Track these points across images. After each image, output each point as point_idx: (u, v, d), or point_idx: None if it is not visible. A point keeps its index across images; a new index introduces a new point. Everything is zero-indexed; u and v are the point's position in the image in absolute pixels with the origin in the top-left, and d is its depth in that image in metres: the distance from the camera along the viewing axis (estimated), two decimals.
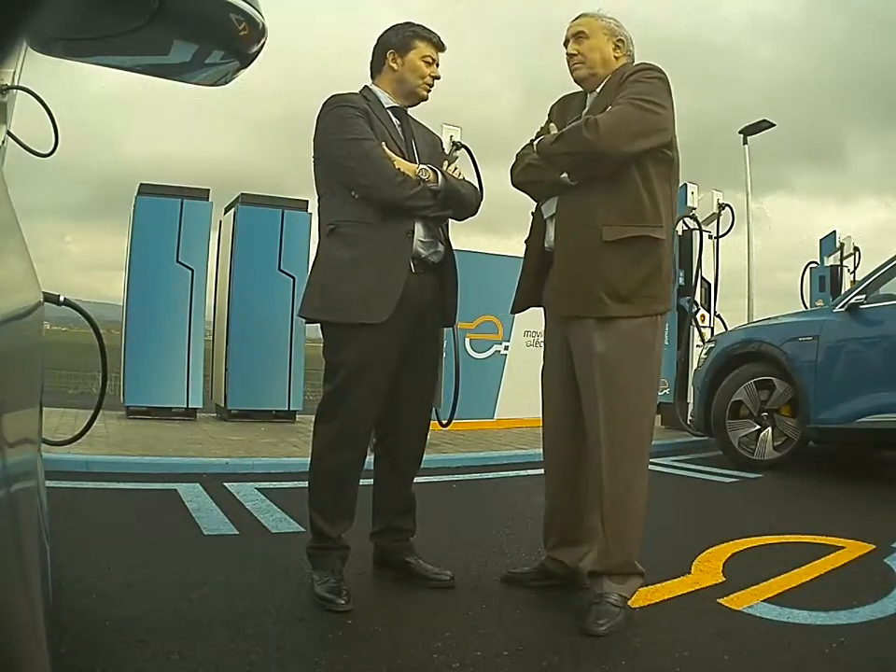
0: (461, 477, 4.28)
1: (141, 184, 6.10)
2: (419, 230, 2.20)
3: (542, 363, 2.31)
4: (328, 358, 2.22)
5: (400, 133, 2.29)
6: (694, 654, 1.81)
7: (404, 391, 2.28)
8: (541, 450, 2.35)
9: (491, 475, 4.43)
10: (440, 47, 2.30)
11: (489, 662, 1.75)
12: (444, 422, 4.66)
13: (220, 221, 6.74)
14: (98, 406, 2.39)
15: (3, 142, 1.26)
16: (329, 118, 2.20)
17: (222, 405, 6.27)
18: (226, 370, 6.20)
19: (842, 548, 2.77)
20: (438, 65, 2.30)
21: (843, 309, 4.54)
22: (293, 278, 6.22)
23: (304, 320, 2.29)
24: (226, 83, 1.05)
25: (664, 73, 2.08)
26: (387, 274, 2.14)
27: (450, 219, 2.37)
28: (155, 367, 5.90)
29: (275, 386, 6.20)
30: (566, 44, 2.19)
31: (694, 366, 5.83)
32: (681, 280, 6.57)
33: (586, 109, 2.18)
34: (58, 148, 1.59)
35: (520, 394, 5.67)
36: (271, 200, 6.45)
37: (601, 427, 2.05)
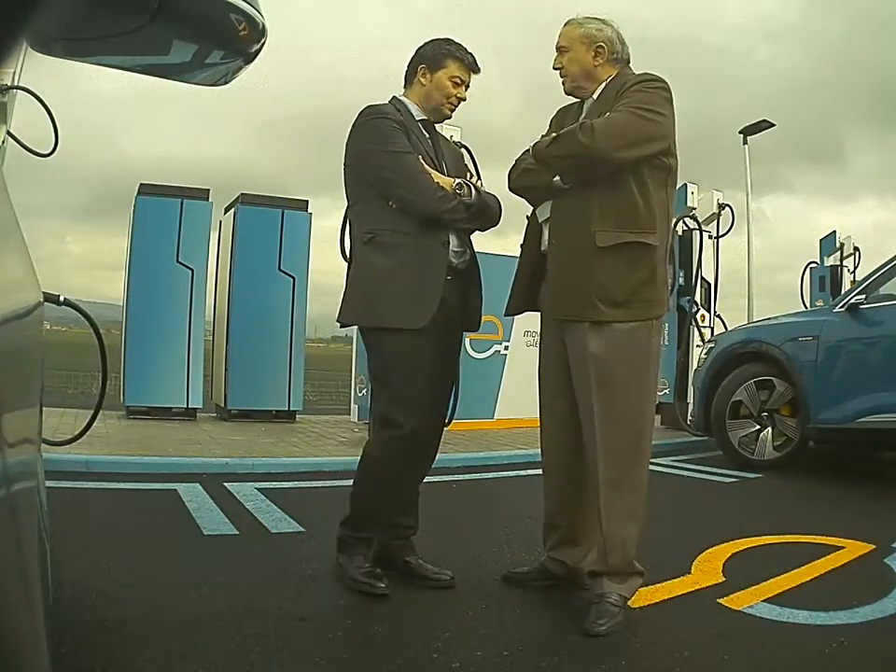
0: (461, 477, 4.28)
1: (141, 184, 6.10)
2: (452, 240, 2.26)
3: (538, 365, 2.31)
4: (376, 367, 2.28)
5: (431, 145, 2.33)
6: (694, 654, 1.81)
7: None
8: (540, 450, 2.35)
9: (491, 475, 4.43)
10: (472, 69, 2.31)
11: (489, 662, 1.75)
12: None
13: (220, 221, 6.75)
14: (98, 406, 2.39)
15: (3, 142, 1.26)
16: (368, 128, 2.23)
17: (222, 405, 6.27)
18: (226, 370, 6.21)
19: (842, 548, 2.77)
20: (467, 87, 2.33)
21: (843, 309, 4.53)
22: (293, 278, 6.22)
23: (340, 325, 2.36)
24: (226, 83, 1.05)
25: (665, 83, 2.08)
26: (426, 282, 2.19)
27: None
28: (155, 367, 5.90)
29: (275, 386, 6.20)
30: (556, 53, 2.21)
31: (694, 366, 5.83)
32: (681, 280, 6.57)
33: (583, 116, 2.18)
34: (58, 148, 1.59)
35: (520, 394, 5.67)
36: (271, 200, 6.46)
37: (596, 428, 2.06)
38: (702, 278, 6.62)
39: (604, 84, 2.15)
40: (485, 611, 2.09)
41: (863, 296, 4.46)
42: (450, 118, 2.38)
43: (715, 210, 6.79)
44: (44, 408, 1.30)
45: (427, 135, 2.33)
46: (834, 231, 9.16)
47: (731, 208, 6.84)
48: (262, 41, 0.94)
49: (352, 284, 2.29)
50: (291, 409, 6.30)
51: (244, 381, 6.12)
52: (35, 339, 0.93)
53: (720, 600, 2.19)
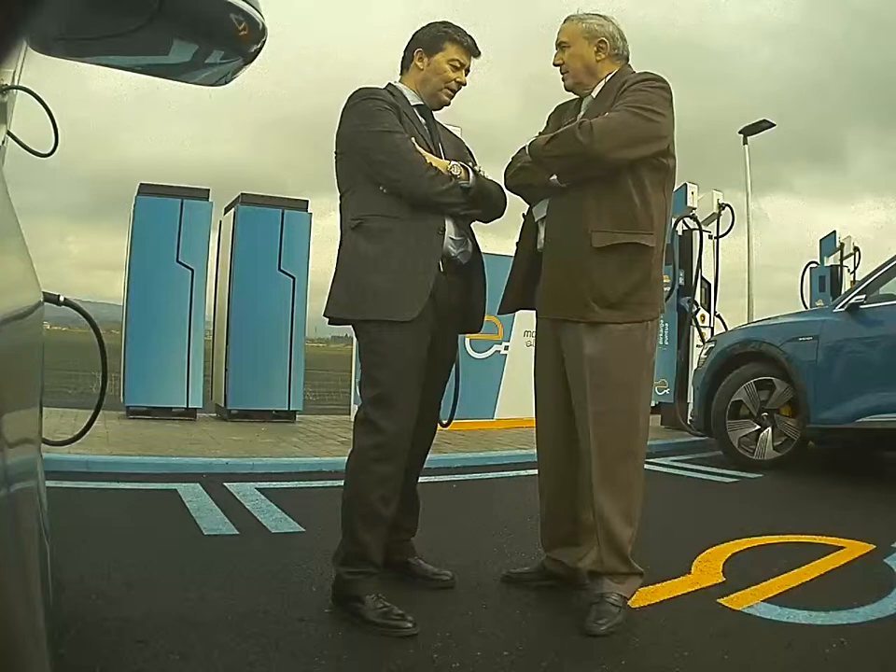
0: (461, 477, 4.28)
1: (141, 184, 6.10)
2: (449, 227, 2.12)
3: (534, 364, 2.31)
4: (364, 362, 2.11)
5: (428, 131, 2.21)
6: (694, 654, 1.81)
7: None
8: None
9: (491, 475, 4.43)
10: (472, 52, 2.19)
11: (489, 662, 1.75)
12: (444, 422, 4.65)
13: (220, 221, 6.75)
14: (98, 406, 2.39)
15: (3, 142, 1.26)
16: (356, 110, 2.10)
17: (222, 405, 6.27)
18: (226, 370, 6.20)
19: (842, 548, 2.77)
20: (467, 72, 2.21)
21: (843, 309, 4.54)
22: (293, 278, 6.22)
23: (328, 321, 2.16)
24: (226, 83, 1.05)
25: (666, 82, 2.07)
26: (417, 270, 2.04)
27: (477, 221, 2.28)
28: (155, 367, 5.90)
29: (275, 386, 6.20)
30: (555, 49, 2.20)
31: (694, 366, 5.83)
32: (681, 280, 6.57)
33: (581, 113, 2.17)
34: (58, 148, 1.59)
35: (520, 394, 5.65)
36: (271, 200, 6.45)
37: (591, 428, 2.06)
38: (702, 278, 6.62)
39: (603, 82, 2.15)
40: (485, 611, 2.09)
41: (863, 296, 4.46)
42: (448, 104, 2.24)
43: (715, 210, 6.79)
44: (44, 408, 1.30)
45: (423, 121, 2.21)
46: (834, 231, 9.16)
47: (731, 208, 6.84)
48: (262, 41, 0.94)
49: (337, 275, 2.13)
50: (291, 409, 6.29)
51: (244, 381, 6.12)
52: (35, 339, 0.93)
53: (720, 600, 2.19)
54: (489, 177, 2.22)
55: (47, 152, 1.58)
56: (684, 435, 5.91)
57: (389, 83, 2.24)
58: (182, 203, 5.99)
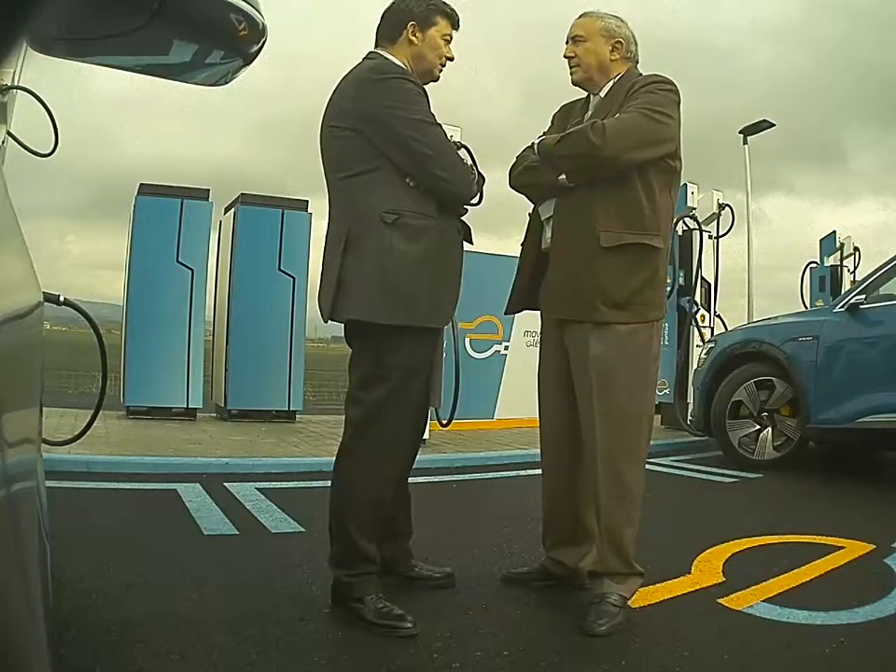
0: (461, 477, 4.28)
1: (141, 184, 6.09)
2: None
3: (538, 364, 2.31)
4: (373, 363, 1.98)
5: None
6: (694, 654, 1.81)
7: None
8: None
9: (491, 475, 4.43)
10: (457, 26, 2.12)
11: (489, 662, 1.75)
12: (444, 422, 4.66)
13: (220, 221, 6.75)
14: (98, 406, 2.39)
15: (3, 142, 1.26)
16: (389, 88, 1.92)
17: (222, 405, 6.27)
18: (226, 370, 6.20)
19: (842, 548, 2.77)
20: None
21: (843, 309, 4.54)
22: (293, 278, 6.22)
23: (341, 321, 2.03)
24: (226, 83, 1.05)
25: (675, 85, 2.08)
26: (451, 273, 2.01)
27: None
28: (155, 367, 5.89)
29: (275, 386, 6.20)
30: (566, 43, 2.19)
31: (694, 366, 5.83)
32: (681, 280, 6.57)
33: (589, 113, 2.17)
34: (58, 148, 1.59)
35: (520, 394, 5.66)
36: (271, 200, 6.45)
37: (596, 429, 2.06)
38: (702, 278, 6.62)
39: (612, 82, 2.15)
40: (485, 611, 2.09)
41: (863, 296, 4.46)
42: (437, 80, 2.14)
43: (715, 210, 6.79)
44: (44, 408, 1.30)
45: None
46: (834, 232, 9.16)
47: (731, 208, 6.84)
48: (262, 41, 0.94)
49: (366, 271, 1.92)
50: (291, 409, 6.29)
51: (244, 381, 6.12)
52: (35, 339, 0.93)
53: (720, 600, 2.19)
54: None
55: (47, 152, 1.58)
56: (684, 435, 5.91)
57: (378, 54, 2.05)
58: (182, 203, 5.99)
